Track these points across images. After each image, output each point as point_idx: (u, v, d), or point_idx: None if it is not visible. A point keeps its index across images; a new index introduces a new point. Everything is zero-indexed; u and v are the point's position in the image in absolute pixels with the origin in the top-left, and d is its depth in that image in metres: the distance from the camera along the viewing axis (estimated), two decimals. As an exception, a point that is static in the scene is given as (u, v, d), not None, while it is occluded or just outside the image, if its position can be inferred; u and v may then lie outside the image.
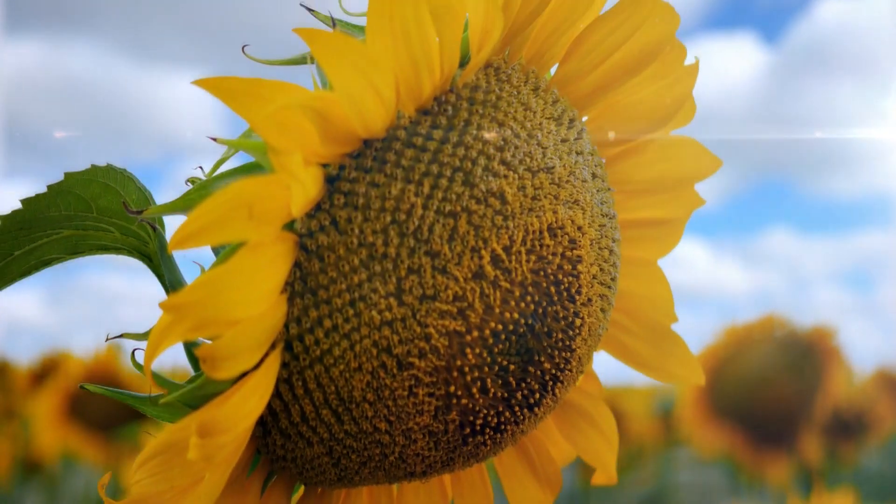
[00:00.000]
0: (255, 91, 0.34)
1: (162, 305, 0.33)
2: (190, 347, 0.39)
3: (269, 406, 0.39)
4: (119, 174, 0.40)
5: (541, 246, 0.39)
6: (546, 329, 0.40)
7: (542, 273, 0.40)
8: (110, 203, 0.40)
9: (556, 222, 0.40)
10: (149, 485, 0.37)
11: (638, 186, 0.48)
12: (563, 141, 0.42)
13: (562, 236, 0.40)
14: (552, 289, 0.40)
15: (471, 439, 0.40)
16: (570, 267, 0.41)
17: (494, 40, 0.38)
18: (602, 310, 0.43)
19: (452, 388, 0.38)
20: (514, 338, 0.39)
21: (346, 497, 0.47)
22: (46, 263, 0.42)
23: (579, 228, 0.41)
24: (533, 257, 0.39)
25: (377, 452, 0.40)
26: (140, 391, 0.41)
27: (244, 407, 0.36)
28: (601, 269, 0.43)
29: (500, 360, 0.39)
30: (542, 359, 0.40)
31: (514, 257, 0.38)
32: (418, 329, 0.37)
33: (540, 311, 0.40)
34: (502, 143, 0.39)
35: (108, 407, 2.69)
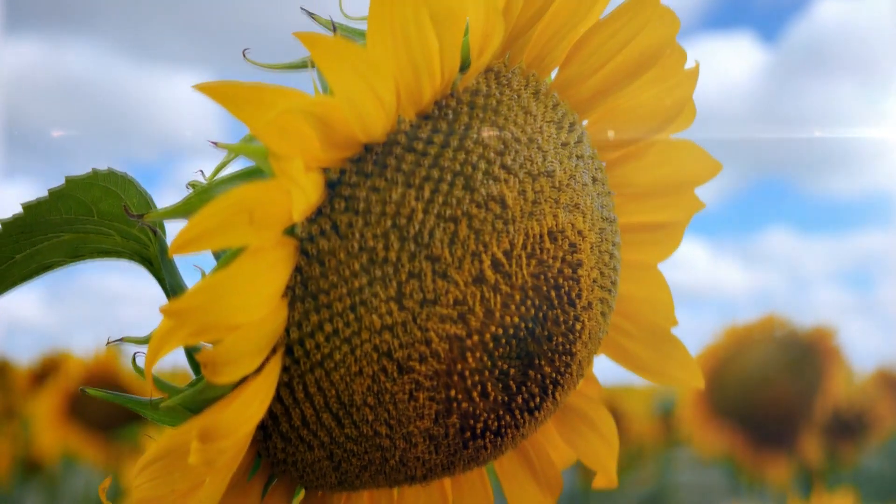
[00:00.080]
0: (255, 96, 0.34)
1: (163, 310, 0.34)
2: (191, 352, 0.39)
3: (270, 410, 0.39)
4: (120, 178, 0.41)
5: (541, 250, 0.39)
6: (546, 333, 0.40)
7: (542, 277, 0.40)
8: (111, 207, 0.40)
9: (556, 226, 0.40)
10: (150, 489, 0.37)
11: (638, 190, 0.48)
12: (564, 145, 0.42)
13: (562, 240, 0.40)
14: (552, 293, 0.40)
15: (471, 443, 0.40)
16: (571, 271, 0.41)
17: (495, 45, 0.38)
18: (602, 314, 0.44)
19: (453, 392, 0.39)
20: (514, 342, 0.39)
21: (346, 501, 0.47)
22: (47, 267, 0.42)
23: (580, 233, 0.41)
24: (533, 262, 0.39)
25: (378, 456, 0.40)
26: (140, 393, 0.42)
27: (245, 412, 0.36)
28: (601, 273, 0.43)
29: (500, 364, 0.39)
30: (543, 363, 0.40)
31: (514, 262, 0.38)
32: (419, 333, 0.37)
33: (540, 315, 0.40)
34: (503, 147, 0.39)
35: (109, 407, 2.69)
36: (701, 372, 0.49)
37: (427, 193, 0.37)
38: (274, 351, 0.37)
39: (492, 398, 0.39)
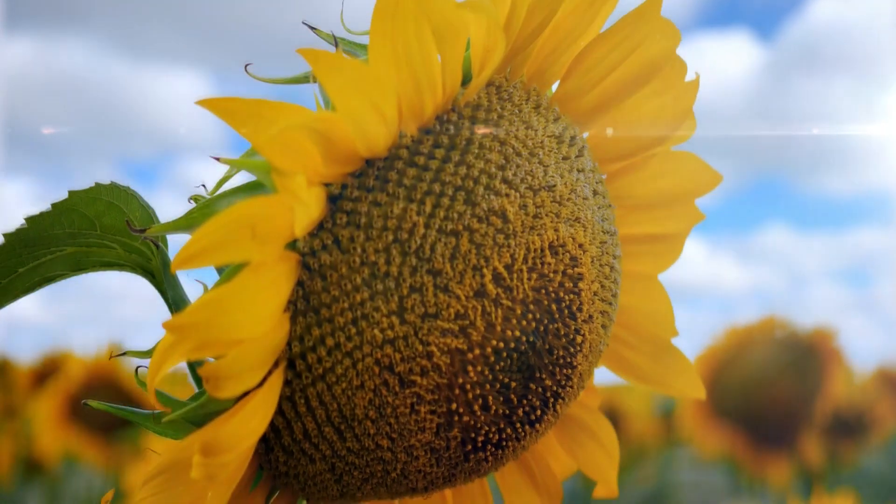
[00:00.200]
0: (257, 112, 0.34)
1: (165, 325, 0.34)
2: (193, 366, 0.40)
3: (272, 423, 0.39)
4: (123, 192, 0.41)
5: (542, 264, 0.40)
6: (547, 346, 0.40)
7: (543, 291, 0.40)
8: (114, 221, 0.41)
9: (557, 240, 0.40)
10: (154, 502, 0.37)
11: (638, 202, 0.48)
12: (565, 159, 0.42)
13: (563, 254, 0.40)
14: (553, 306, 0.40)
15: (472, 455, 0.41)
16: (572, 284, 0.41)
17: (497, 60, 0.39)
18: (603, 326, 0.44)
19: (454, 406, 0.39)
20: (515, 355, 0.39)
21: (348, 511, 0.47)
22: (50, 280, 0.43)
23: (580, 246, 0.41)
24: (534, 275, 0.39)
25: (379, 469, 0.40)
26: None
27: (247, 426, 0.36)
28: (602, 286, 0.43)
29: (501, 377, 0.39)
30: (544, 376, 0.41)
31: (515, 275, 0.39)
32: (420, 347, 0.37)
33: (541, 328, 0.40)
34: (504, 161, 0.39)
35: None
36: (701, 382, 0.49)
37: (428, 208, 0.38)
38: (276, 365, 0.37)
39: (493, 411, 0.40)
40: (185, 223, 0.38)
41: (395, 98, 0.37)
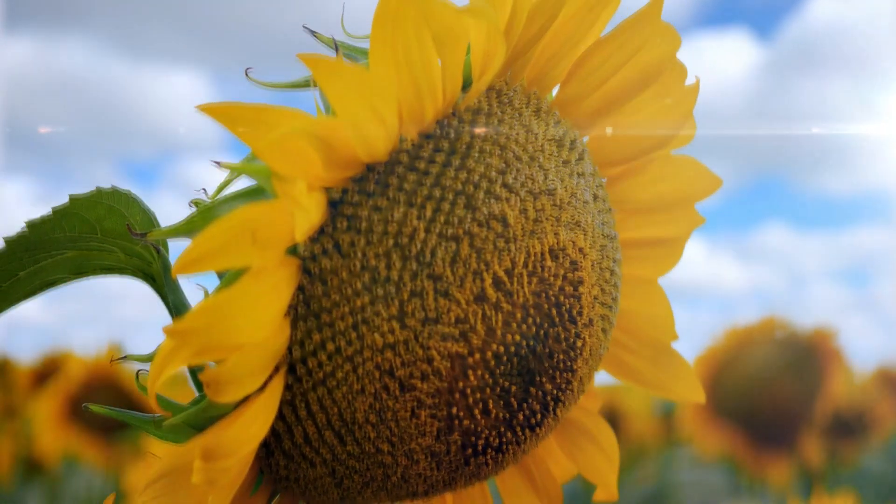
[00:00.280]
0: (258, 117, 0.35)
1: (166, 331, 0.34)
2: (194, 371, 0.40)
3: (273, 428, 0.39)
4: (123, 196, 0.41)
5: (542, 268, 0.40)
6: (547, 351, 0.40)
7: (543, 295, 0.40)
8: (115, 225, 0.41)
9: (557, 245, 0.40)
10: (154, 506, 0.37)
11: (638, 206, 0.48)
12: (565, 163, 0.42)
13: (563, 259, 0.40)
14: (553, 311, 0.40)
15: (473, 460, 0.41)
16: (572, 289, 0.41)
17: (497, 65, 0.39)
18: (603, 330, 0.44)
19: (454, 410, 0.39)
20: (515, 359, 0.39)
21: (348, 514, 0.47)
22: (50, 284, 0.43)
23: (581, 251, 0.41)
24: (534, 280, 0.39)
25: (380, 473, 0.40)
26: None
27: (248, 431, 0.36)
28: (602, 291, 0.43)
29: (501, 381, 0.39)
30: (544, 380, 0.41)
31: (515, 280, 0.39)
32: (421, 352, 0.37)
33: (541, 332, 0.40)
34: (504, 166, 0.39)
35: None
36: (701, 386, 0.49)
37: (429, 212, 0.38)
38: (276, 369, 0.37)
39: (493, 415, 0.40)
40: (185, 228, 0.38)
41: (395, 103, 0.37)
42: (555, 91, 0.45)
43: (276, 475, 0.41)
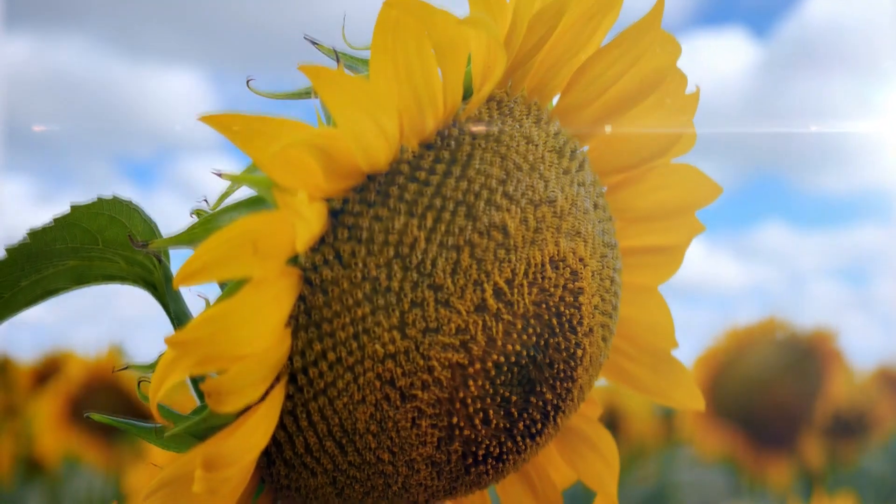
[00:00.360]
0: (258, 128, 0.35)
1: (167, 341, 0.34)
2: (195, 380, 0.40)
3: (274, 437, 0.39)
4: (125, 206, 0.41)
5: (543, 278, 0.40)
6: (548, 360, 0.41)
7: (543, 305, 0.40)
8: (116, 235, 0.41)
9: (558, 254, 0.40)
10: (156, 516, 0.38)
11: (638, 214, 0.49)
12: (565, 172, 0.42)
13: (563, 268, 0.40)
14: (554, 320, 0.40)
15: (473, 469, 0.41)
16: (572, 298, 0.41)
17: (498, 75, 0.39)
18: (603, 339, 0.44)
19: (455, 420, 0.39)
20: (516, 369, 0.40)
21: (349, 522, 0.47)
22: (52, 293, 0.43)
23: (581, 260, 0.41)
24: (535, 289, 0.39)
25: (380, 482, 0.40)
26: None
27: (249, 440, 0.36)
28: (602, 299, 0.43)
29: (502, 391, 0.39)
30: (544, 389, 0.41)
31: (516, 290, 0.39)
32: (421, 362, 0.38)
33: (542, 342, 0.40)
34: (505, 176, 0.39)
35: (110, 409, 2.69)
36: (700, 393, 0.50)
37: (429, 222, 0.38)
38: (278, 379, 0.37)
39: (494, 425, 0.40)
40: (187, 238, 0.38)
41: (396, 113, 0.37)
42: (555, 100, 0.45)
43: (278, 484, 0.41)
